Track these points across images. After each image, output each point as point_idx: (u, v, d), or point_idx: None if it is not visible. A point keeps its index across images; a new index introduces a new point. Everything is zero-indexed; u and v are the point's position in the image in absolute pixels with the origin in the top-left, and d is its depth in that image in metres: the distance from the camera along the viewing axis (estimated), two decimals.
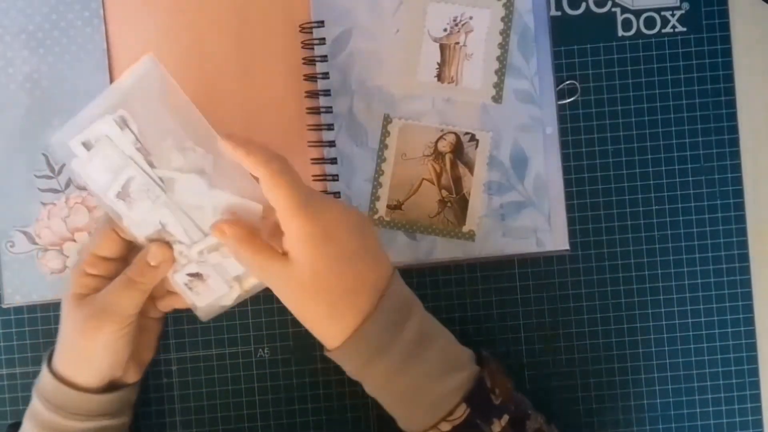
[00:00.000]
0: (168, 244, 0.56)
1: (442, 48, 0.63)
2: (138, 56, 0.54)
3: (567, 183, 0.63)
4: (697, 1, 0.64)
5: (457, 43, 0.63)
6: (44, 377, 0.57)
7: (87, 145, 0.54)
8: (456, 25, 0.63)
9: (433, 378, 0.51)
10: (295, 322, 0.63)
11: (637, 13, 0.64)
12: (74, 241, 0.62)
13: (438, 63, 0.63)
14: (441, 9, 0.62)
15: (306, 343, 0.63)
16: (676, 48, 0.64)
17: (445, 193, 0.63)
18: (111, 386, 0.58)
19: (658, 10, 0.64)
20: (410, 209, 0.63)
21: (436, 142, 0.63)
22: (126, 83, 0.53)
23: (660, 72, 0.64)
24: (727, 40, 0.64)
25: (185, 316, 0.63)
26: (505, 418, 0.51)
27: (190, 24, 0.62)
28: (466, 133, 0.63)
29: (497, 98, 0.63)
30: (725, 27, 0.64)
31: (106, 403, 0.57)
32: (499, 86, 0.63)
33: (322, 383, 0.63)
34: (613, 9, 0.64)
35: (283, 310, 0.63)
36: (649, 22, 0.64)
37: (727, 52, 0.64)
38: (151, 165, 0.54)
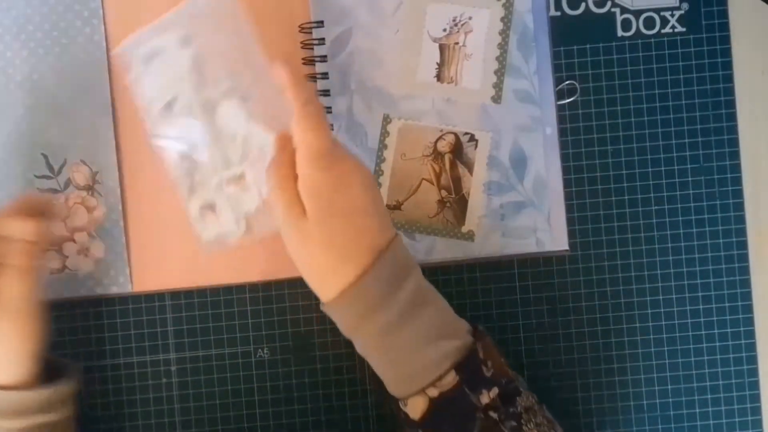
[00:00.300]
0: (34, 217, 0.54)
1: (442, 48, 0.63)
2: None
3: (567, 183, 0.63)
4: (696, 1, 0.64)
5: (457, 43, 0.63)
6: None
7: (147, 58, 0.54)
8: (455, 25, 0.63)
9: (426, 341, 0.51)
10: (295, 322, 0.63)
11: (637, 14, 0.64)
12: (74, 241, 0.62)
13: (438, 63, 0.63)
14: (441, 9, 0.62)
15: (306, 343, 0.63)
16: (675, 48, 0.64)
17: (444, 193, 0.63)
18: (47, 376, 0.55)
19: (657, 11, 0.64)
20: (410, 209, 0.63)
21: (436, 142, 0.63)
22: (197, 4, 0.54)
23: (660, 72, 0.64)
24: (727, 40, 0.64)
25: (185, 316, 0.63)
26: (495, 390, 0.51)
27: None
28: (466, 133, 0.63)
29: (497, 98, 0.63)
30: (725, 27, 0.64)
31: (42, 400, 0.54)
32: (498, 86, 0.63)
33: (322, 383, 0.63)
34: (613, 9, 0.64)
35: (283, 310, 0.63)
36: (649, 23, 0.64)
37: (727, 52, 0.64)
38: (200, 87, 0.54)
